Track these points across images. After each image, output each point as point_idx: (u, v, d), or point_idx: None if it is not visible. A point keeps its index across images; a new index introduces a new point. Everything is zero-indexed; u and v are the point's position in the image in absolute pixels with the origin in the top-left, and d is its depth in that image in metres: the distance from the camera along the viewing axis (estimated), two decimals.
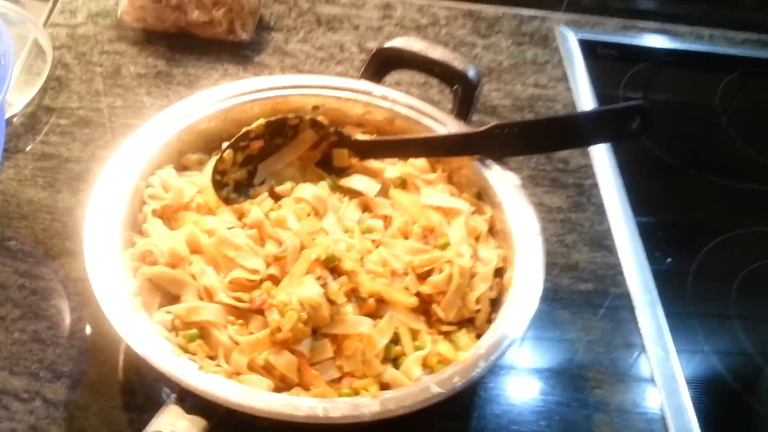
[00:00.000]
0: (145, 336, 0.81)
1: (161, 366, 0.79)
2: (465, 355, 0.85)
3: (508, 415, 0.98)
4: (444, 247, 0.98)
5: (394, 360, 0.92)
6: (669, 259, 1.21)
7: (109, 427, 0.90)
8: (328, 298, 0.88)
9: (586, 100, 1.42)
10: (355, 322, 0.89)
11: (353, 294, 0.92)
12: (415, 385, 0.82)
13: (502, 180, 1.04)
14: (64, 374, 0.93)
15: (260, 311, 0.88)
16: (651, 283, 1.14)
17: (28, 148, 1.19)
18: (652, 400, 1.01)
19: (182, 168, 1.06)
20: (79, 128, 1.23)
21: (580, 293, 1.12)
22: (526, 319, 0.88)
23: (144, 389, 0.93)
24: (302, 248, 0.94)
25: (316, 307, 0.86)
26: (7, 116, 1.19)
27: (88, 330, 0.98)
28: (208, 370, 0.80)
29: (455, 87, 1.13)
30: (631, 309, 1.11)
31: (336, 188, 1.06)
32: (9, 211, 1.09)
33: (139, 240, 0.94)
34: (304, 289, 0.87)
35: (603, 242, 1.19)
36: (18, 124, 1.21)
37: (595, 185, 1.27)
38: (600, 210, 1.24)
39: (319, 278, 0.88)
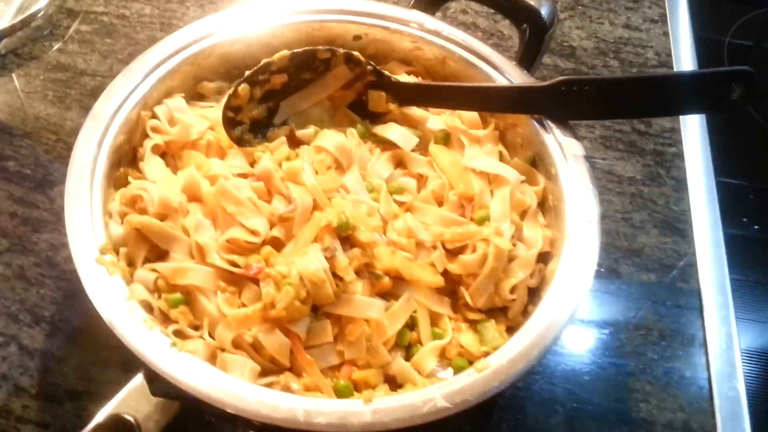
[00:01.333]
0: (116, 299, 0.71)
1: (127, 339, 0.68)
2: (484, 362, 0.72)
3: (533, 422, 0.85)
4: (482, 221, 0.83)
5: (407, 347, 0.80)
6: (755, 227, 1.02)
7: (85, 384, 0.82)
8: (334, 273, 0.75)
9: (685, 49, 1.21)
10: (363, 304, 0.76)
11: (366, 270, 0.79)
12: (418, 393, 0.70)
13: (564, 147, 0.87)
14: (45, 319, 0.85)
15: (255, 280, 0.76)
16: (726, 283, 0.96)
17: (43, 54, 1.08)
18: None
19: (198, 97, 0.94)
20: (100, 37, 1.11)
21: (641, 284, 0.96)
22: (559, 328, 0.74)
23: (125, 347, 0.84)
24: (314, 209, 0.81)
25: (318, 284, 0.74)
26: (24, 17, 1.07)
27: (77, 272, 0.88)
28: (182, 348, 0.70)
29: (523, 26, 0.95)
30: (699, 310, 0.94)
31: (368, 136, 0.91)
32: (12, 127, 0.99)
33: (132, 180, 0.82)
34: (306, 260, 0.75)
35: (677, 225, 1.01)
36: (35, 28, 1.10)
37: (679, 155, 1.08)
38: (680, 186, 1.05)
39: (326, 249, 0.75)
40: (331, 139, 0.87)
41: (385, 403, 0.68)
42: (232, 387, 0.67)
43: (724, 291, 0.95)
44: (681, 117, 1.12)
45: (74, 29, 1.11)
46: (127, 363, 0.81)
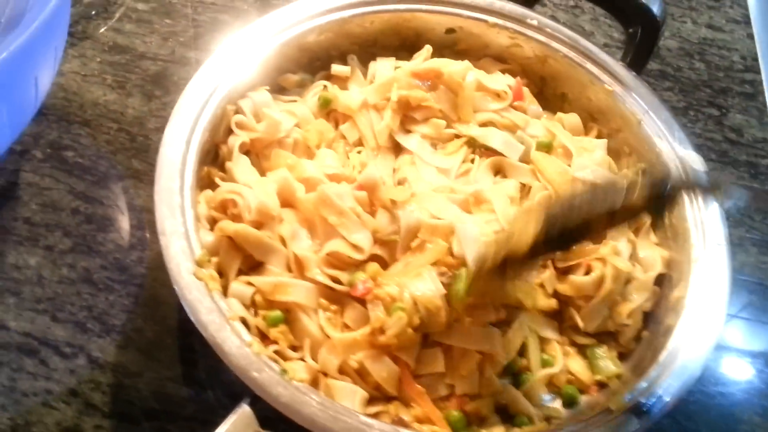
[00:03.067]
0: (217, 319, 0.64)
1: (238, 366, 0.62)
2: (619, 400, 0.66)
3: None
4: (597, 239, 0.77)
5: (514, 374, 0.74)
6: None
7: (162, 402, 0.74)
8: (448, 301, 0.69)
9: None
10: (478, 335, 0.70)
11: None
12: None
13: (680, 160, 0.81)
14: (116, 329, 0.77)
15: (361, 301, 0.69)
16: None
17: (98, 33, 0.99)
18: None
19: (278, 89, 0.86)
20: (158, 17, 1.02)
21: (741, 306, 0.90)
22: (700, 365, 0.68)
23: (208, 361, 0.77)
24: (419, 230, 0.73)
25: (434, 311, 0.67)
26: None
27: (148, 277, 0.81)
28: (293, 377, 0.63)
29: (631, 29, 0.88)
30: None
31: (469, 143, 0.83)
32: (69, 113, 0.91)
33: (221, 183, 0.75)
34: (421, 284, 0.68)
35: None
36: (87, 3, 1.01)
37: None
38: None
39: (443, 274, 0.69)
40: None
41: None
42: (350, 420, 0.61)
43: None
44: None
45: (129, 6, 1.02)
46: (211, 379, 0.75)
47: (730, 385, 0.84)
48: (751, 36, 1.17)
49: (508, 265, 0.65)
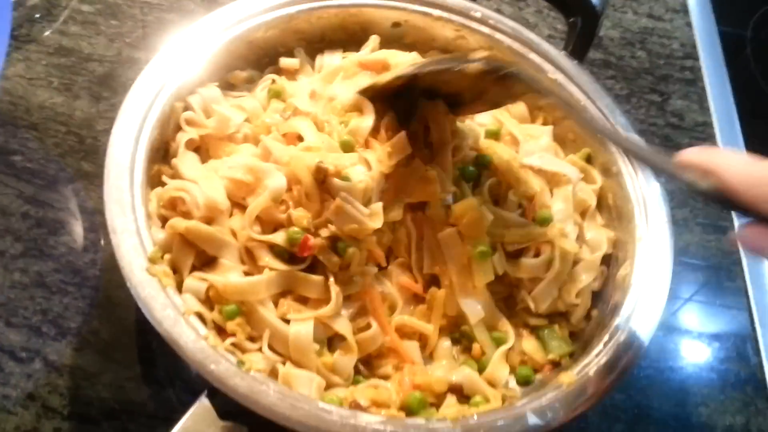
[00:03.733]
0: (174, 314, 0.64)
1: (193, 359, 0.62)
2: (570, 375, 0.68)
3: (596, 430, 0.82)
4: (544, 222, 0.79)
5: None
6: None
7: (122, 402, 0.74)
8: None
9: (709, 39, 1.18)
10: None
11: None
12: (506, 410, 0.65)
13: (625, 142, 0.83)
14: (71, 332, 0.77)
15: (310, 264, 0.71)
16: None
17: (42, 36, 0.98)
18: None
19: (227, 86, 0.86)
20: (104, 18, 1.02)
21: (688, 283, 0.93)
22: (646, 339, 0.70)
23: (167, 359, 0.77)
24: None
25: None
26: None
27: (102, 278, 0.80)
28: (250, 368, 0.63)
29: (572, 19, 0.90)
30: (747, 310, 0.92)
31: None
32: (16, 118, 0.90)
33: (169, 180, 0.75)
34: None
35: (719, 223, 0.99)
36: (31, 6, 1.00)
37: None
38: None
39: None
40: None
41: (474, 423, 0.63)
42: (309, 407, 0.61)
43: None
44: (713, 108, 1.10)
45: (74, 8, 1.02)
46: (170, 376, 0.76)
47: (680, 360, 0.87)
48: (689, 24, 1.20)
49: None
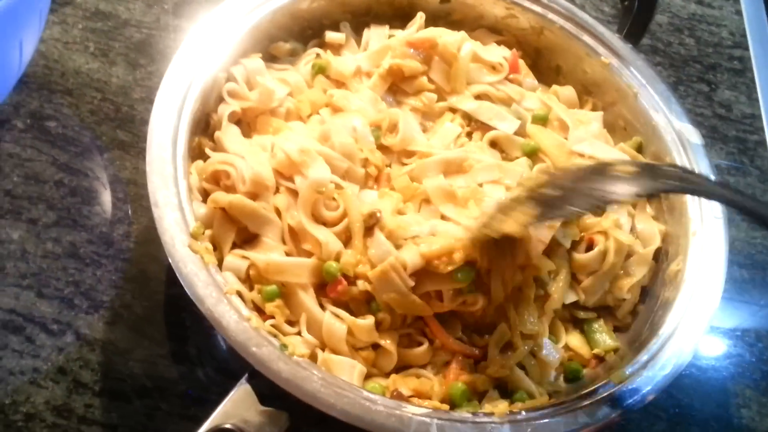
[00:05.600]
0: (215, 293, 0.62)
1: (236, 341, 0.60)
2: (622, 373, 0.65)
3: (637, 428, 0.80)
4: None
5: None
6: None
7: (154, 380, 0.72)
8: None
9: (759, 28, 1.15)
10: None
11: None
12: (555, 407, 0.63)
13: (677, 133, 0.80)
14: (104, 305, 0.75)
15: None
16: None
17: (79, 0, 0.95)
18: None
19: (270, 58, 0.83)
20: None
21: (733, 282, 0.91)
22: (697, 337, 0.68)
23: (199, 337, 0.75)
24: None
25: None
26: None
27: (135, 251, 0.78)
28: (293, 352, 0.61)
29: (627, 2, 0.87)
30: None
31: (464, 116, 0.82)
32: (51, 82, 0.87)
33: (211, 153, 0.72)
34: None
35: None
36: None
37: (762, 143, 1.03)
38: (765, 177, 1.00)
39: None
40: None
41: (522, 418, 0.61)
42: (354, 396, 0.59)
43: None
44: (762, 99, 1.07)
45: None
46: (203, 355, 0.74)
47: (722, 359, 0.85)
48: (739, 12, 1.17)
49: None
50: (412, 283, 0.67)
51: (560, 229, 0.70)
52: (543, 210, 0.63)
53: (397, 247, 0.67)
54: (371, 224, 0.68)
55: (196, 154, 0.74)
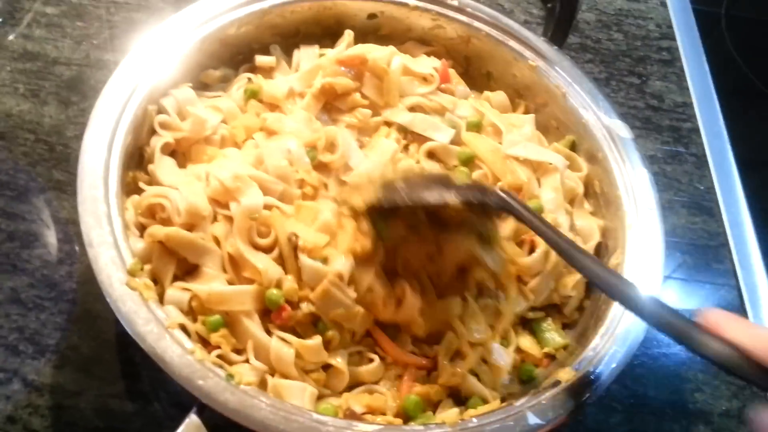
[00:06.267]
0: (156, 328, 0.61)
1: (181, 376, 0.59)
2: (569, 371, 0.66)
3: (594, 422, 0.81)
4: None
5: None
6: None
7: (106, 420, 0.72)
8: None
9: (684, 18, 1.18)
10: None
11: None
12: (506, 410, 0.63)
13: (610, 130, 0.82)
14: (50, 349, 0.74)
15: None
16: (759, 261, 0.94)
17: (6, 41, 0.94)
18: None
19: (201, 86, 0.83)
20: (69, 20, 0.98)
21: (677, 267, 0.93)
22: (643, 328, 0.69)
23: (151, 372, 0.74)
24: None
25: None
26: None
27: (79, 291, 0.78)
28: (240, 381, 0.61)
29: (549, 4, 0.89)
30: (737, 289, 0.92)
31: (399, 129, 0.82)
32: None
33: (146, 187, 0.72)
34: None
35: (704, 204, 0.98)
36: None
37: (695, 130, 1.05)
38: (701, 162, 1.02)
39: None
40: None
41: (473, 426, 0.62)
42: (303, 420, 0.59)
43: (760, 268, 0.93)
44: (692, 89, 1.09)
45: (37, 10, 0.98)
46: (155, 391, 0.73)
47: (672, 345, 0.86)
48: (664, 4, 1.19)
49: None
50: (354, 295, 0.68)
51: (487, 255, 0.70)
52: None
53: (325, 260, 0.68)
54: (293, 247, 0.68)
55: (132, 188, 0.73)
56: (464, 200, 0.65)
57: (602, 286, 0.61)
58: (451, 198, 0.65)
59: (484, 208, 0.66)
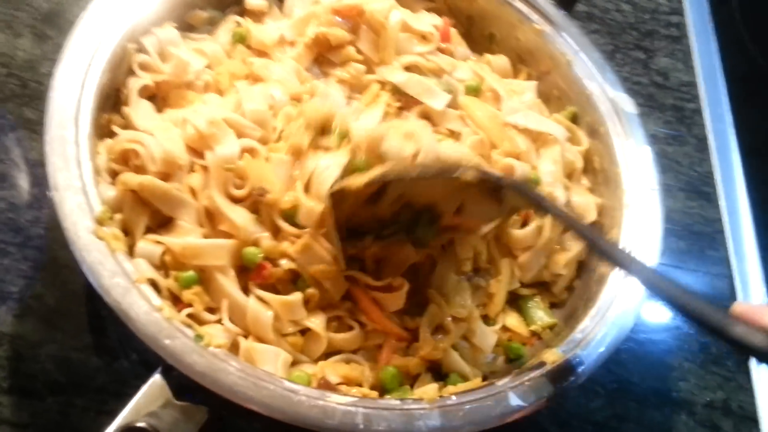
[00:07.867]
0: (123, 282, 0.57)
1: (147, 334, 0.56)
2: (555, 353, 0.63)
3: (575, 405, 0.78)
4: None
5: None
6: None
7: (68, 374, 0.68)
8: None
9: None
10: None
11: None
12: (487, 390, 0.60)
13: (615, 103, 0.78)
14: (12, 297, 0.70)
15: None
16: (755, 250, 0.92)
17: None
18: None
19: (186, 27, 0.78)
20: None
21: (671, 252, 0.90)
22: (635, 311, 0.66)
23: (120, 327, 0.69)
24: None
25: None
26: None
27: (47, 238, 0.73)
28: (209, 343, 0.57)
29: None
30: (730, 279, 0.89)
31: (393, 90, 0.78)
32: None
33: (120, 131, 0.67)
34: None
35: (702, 189, 0.95)
36: None
37: (698, 112, 1.02)
38: (702, 146, 0.99)
39: None
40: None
41: (452, 404, 0.59)
42: (274, 387, 0.56)
43: (754, 258, 0.91)
44: (698, 68, 1.05)
45: None
46: (123, 347, 0.70)
47: (660, 331, 0.84)
48: None
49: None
50: (335, 251, 0.64)
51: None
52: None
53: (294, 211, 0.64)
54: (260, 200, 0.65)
55: (106, 132, 0.68)
56: (482, 176, 0.61)
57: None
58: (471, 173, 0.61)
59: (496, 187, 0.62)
